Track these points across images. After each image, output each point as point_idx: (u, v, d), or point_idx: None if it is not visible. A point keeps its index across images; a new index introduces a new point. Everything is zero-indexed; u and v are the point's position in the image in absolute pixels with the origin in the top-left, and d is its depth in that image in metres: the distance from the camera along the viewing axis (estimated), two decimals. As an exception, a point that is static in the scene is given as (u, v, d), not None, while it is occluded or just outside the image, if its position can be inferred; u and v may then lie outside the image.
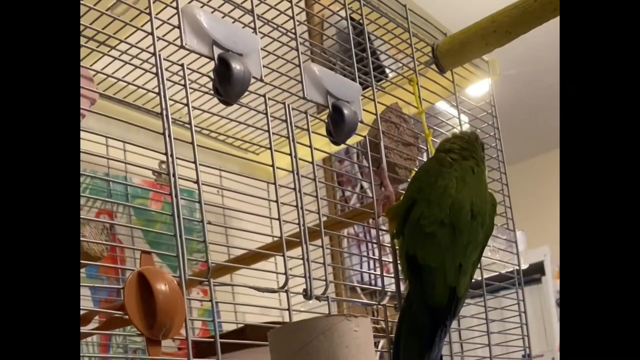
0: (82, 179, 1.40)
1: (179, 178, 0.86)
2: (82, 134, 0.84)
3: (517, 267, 1.43)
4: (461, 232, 1.01)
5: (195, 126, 0.89)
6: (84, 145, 0.82)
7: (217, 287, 1.63)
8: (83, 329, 0.97)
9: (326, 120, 1.03)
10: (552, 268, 3.39)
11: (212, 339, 0.90)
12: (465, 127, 1.34)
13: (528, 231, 1.66)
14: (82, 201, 1.40)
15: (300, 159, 0.99)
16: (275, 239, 1.17)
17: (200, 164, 0.88)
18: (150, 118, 0.99)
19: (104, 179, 1.42)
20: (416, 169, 1.11)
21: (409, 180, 1.19)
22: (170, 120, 0.84)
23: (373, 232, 1.17)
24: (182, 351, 1.45)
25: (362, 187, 2.05)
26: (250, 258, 1.33)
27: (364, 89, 1.12)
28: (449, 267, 1.01)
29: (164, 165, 0.87)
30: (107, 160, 1.38)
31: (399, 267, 1.09)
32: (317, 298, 1.02)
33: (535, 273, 3.37)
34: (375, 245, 1.16)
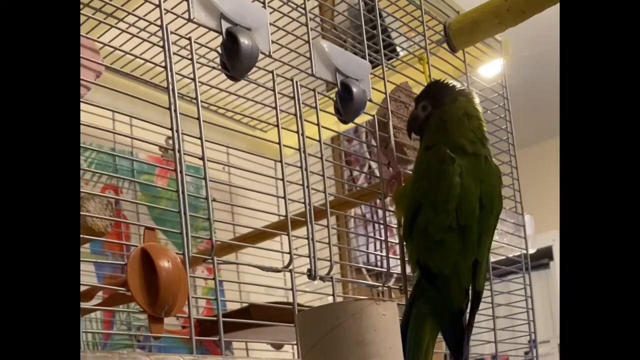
0: (87, 154, 1.39)
1: (184, 154, 0.85)
2: (89, 108, 0.83)
3: (525, 251, 1.41)
4: (471, 230, 0.99)
5: (202, 102, 0.87)
6: (90, 120, 0.81)
7: (221, 266, 1.62)
8: (86, 305, 0.97)
9: (334, 98, 1.02)
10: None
11: (216, 318, 0.89)
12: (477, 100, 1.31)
13: (537, 215, 1.64)
14: (87, 176, 1.39)
15: (307, 137, 0.98)
16: (281, 217, 1.17)
17: (206, 140, 0.87)
18: (157, 93, 0.98)
19: (110, 152, 1.41)
20: (418, 156, 1.08)
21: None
22: (176, 94, 0.83)
23: (380, 213, 1.16)
24: (186, 330, 1.44)
25: (370, 167, 2.04)
26: (256, 237, 1.32)
27: (373, 67, 1.10)
28: (463, 270, 0.99)
29: (170, 141, 0.85)
30: (114, 135, 1.37)
31: (409, 267, 1.08)
32: (322, 278, 1.01)
33: (543, 258, 3.34)
34: (381, 227, 1.15)
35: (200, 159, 0.86)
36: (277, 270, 0.98)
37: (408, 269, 1.11)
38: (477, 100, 1.07)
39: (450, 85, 1.05)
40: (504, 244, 1.38)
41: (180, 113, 0.84)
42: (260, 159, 1.16)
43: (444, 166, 0.98)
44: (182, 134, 0.84)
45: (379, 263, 1.66)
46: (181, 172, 0.84)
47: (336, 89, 1.01)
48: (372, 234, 1.86)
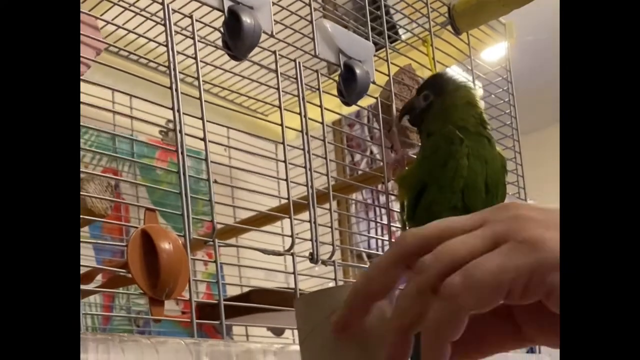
0: (87, 136, 1.38)
1: (185, 135, 0.84)
2: (89, 90, 0.82)
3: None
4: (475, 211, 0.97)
5: (203, 81, 0.86)
6: (90, 102, 0.80)
7: (222, 251, 1.61)
8: (85, 287, 0.96)
9: (337, 80, 1.01)
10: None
11: (217, 302, 0.89)
12: (480, 92, 1.30)
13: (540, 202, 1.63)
14: (87, 159, 1.38)
15: (310, 118, 0.97)
16: (283, 201, 1.15)
17: (208, 121, 0.86)
18: (158, 75, 0.97)
19: (110, 133, 1.39)
20: (424, 139, 1.06)
21: (419, 144, 1.17)
22: (177, 74, 0.82)
23: (382, 199, 1.15)
24: (186, 315, 1.43)
25: (372, 152, 2.03)
26: (257, 221, 1.31)
27: (377, 49, 1.09)
28: None
29: (170, 124, 0.84)
30: (113, 118, 1.35)
31: None
32: (324, 262, 1.00)
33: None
34: (384, 212, 1.14)
35: (201, 139, 0.85)
36: (278, 254, 0.97)
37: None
38: (479, 92, 1.07)
39: (453, 76, 1.05)
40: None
41: (181, 92, 0.82)
42: (261, 144, 1.15)
43: (453, 146, 0.98)
44: (183, 114, 0.83)
45: (380, 249, 1.65)
46: (182, 152, 0.83)
47: (339, 71, 1.00)
48: (373, 220, 1.85)
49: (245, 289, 1.53)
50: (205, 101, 0.86)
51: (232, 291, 1.54)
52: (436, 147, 1.01)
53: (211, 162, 0.87)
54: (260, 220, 1.32)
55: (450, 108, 1.01)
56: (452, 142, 0.98)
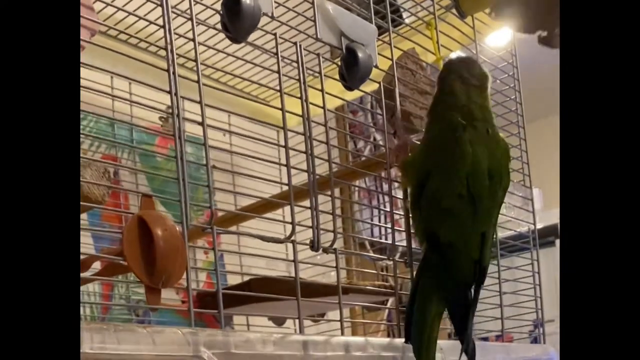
0: (85, 122, 1.36)
1: (184, 120, 0.82)
2: (87, 74, 0.79)
3: (532, 226, 1.38)
4: (481, 201, 0.96)
5: (202, 64, 0.84)
6: (88, 87, 0.78)
7: (223, 240, 1.60)
8: (81, 275, 0.94)
9: (339, 63, 0.98)
10: (567, 231, 3.32)
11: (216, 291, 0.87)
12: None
13: (544, 192, 1.61)
14: (85, 145, 1.36)
15: (312, 103, 0.95)
16: (284, 189, 1.14)
17: (207, 105, 0.84)
18: (158, 60, 0.94)
19: (109, 118, 1.37)
20: (427, 124, 1.04)
21: (423, 131, 1.15)
22: (175, 56, 0.80)
23: (385, 187, 1.13)
24: (186, 304, 1.42)
25: (375, 139, 2.00)
26: (258, 209, 1.29)
27: (380, 34, 1.07)
28: (472, 241, 0.97)
29: (170, 111, 0.82)
30: (112, 104, 1.33)
31: (415, 240, 1.05)
32: (325, 250, 0.98)
33: (549, 235, 3.27)
34: (387, 199, 1.12)
35: (199, 124, 0.83)
36: (279, 241, 0.95)
37: (414, 243, 1.08)
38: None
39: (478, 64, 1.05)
40: (511, 217, 1.35)
41: (179, 76, 0.80)
42: (262, 131, 1.13)
43: (457, 133, 0.96)
44: (182, 98, 0.81)
45: (382, 237, 1.63)
46: (180, 137, 0.81)
47: (341, 54, 0.98)
48: (376, 207, 1.83)
49: (246, 278, 1.51)
50: (204, 84, 0.84)
51: (233, 280, 1.52)
52: (440, 134, 0.99)
53: (211, 148, 0.85)
54: (261, 208, 1.30)
55: (478, 92, 1.00)
56: (455, 130, 0.96)
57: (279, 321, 1.62)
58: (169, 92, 0.79)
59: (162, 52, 0.81)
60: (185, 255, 0.81)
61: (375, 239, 1.73)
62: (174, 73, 0.79)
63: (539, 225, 1.42)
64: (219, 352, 0.82)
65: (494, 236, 1.02)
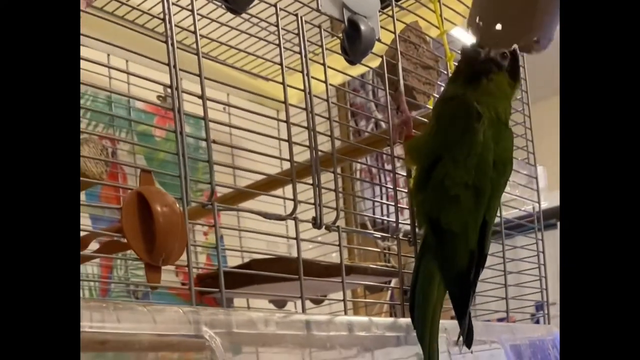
0: (82, 101, 1.33)
1: (182, 94, 0.80)
2: (84, 53, 0.77)
3: (537, 204, 1.36)
4: (484, 190, 0.95)
5: (201, 35, 0.82)
6: (85, 65, 0.76)
7: (223, 221, 1.58)
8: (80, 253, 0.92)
9: (341, 36, 0.96)
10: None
11: (216, 273, 0.85)
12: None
13: (549, 172, 1.59)
14: (82, 125, 1.34)
15: (313, 77, 0.92)
16: (284, 167, 1.12)
17: (206, 78, 0.82)
18: (155, 42, 0.92)
19: (107, 92, 1.34)
20: (439, 106, 1.01)
21: (427, 107, 1.12)
22: (173, 27, 0.77)
23: (388, 166, 1.11)
24: (186, 286, 1.40)
25: (376, 117, 1.98)
26: (258, 188, 1.28)
27: (383, 7, 1.05)
28: (472, 229, 0.96)
29: (169, 90, 0.80)
30: (110, 82, 1.31)
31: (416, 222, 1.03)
32: (327, 228, 0.96)
33: (552, 217, 3.25)
34: (388, 178, 1.10)
35: (199, 96, 0.81)
36: (280, 218, 0.93)
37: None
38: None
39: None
40: (515, 196, 1.33)
41: (178, 48, 0.78)
42: (261, 110, 1.10)
43: (471, 121, 0.93)
44: (180, 72, 0.79)
45: (385, 216, 1.61)
46: (179, 111, 0.79)
47: (343, 27, 0.96)
48: (379, 188, 1.81)
49: (247, 259, 1.50)
50: (203, 56, 0.82)
51: (233, 262, 1.51)
52: (454, 116, 0.96)
53: (211, 128, 0.83)
54: (262, 187, 1.29)
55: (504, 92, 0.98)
56: (469, 116, 0.94)
57: (280, 304, 1.60)
58: (168, 64, 0.77)
59: (160, 29, 0.78)
60: (185, 232, 0.79)
61: (377, 216, 1.71)
62: (172, 45, 0.77)
63: (544, 204, 1.40)
64: (221, 331, 0.80)
65: (494, 220, 1.01)
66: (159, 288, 1.32)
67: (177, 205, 0.79)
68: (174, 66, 0.78)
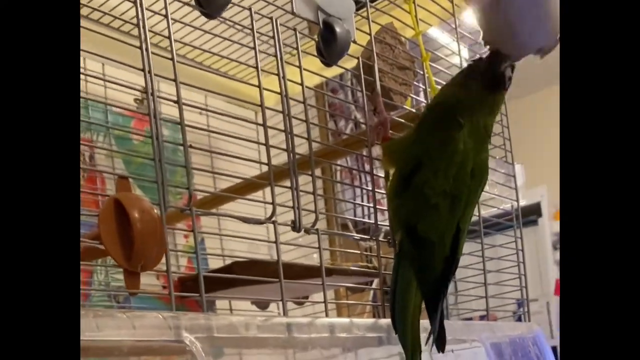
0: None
1: (159, 99, 0.79)
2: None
3: (516, 202, 1.37)
4: (461, 200, 0.95)
5: (176, 41, 0.81)
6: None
7: (203, 224, 1.58)
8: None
9: (316, 39, 0.96)
10: (549, 209, 3.32)
11: (197, 276, 0.85)
12: (465, 53, 1.26)
13: (526, 169, 1.60)
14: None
15: (289, 80, 0.92)
16: (263, 170, 1.12)
17: (182, 83, 0.81)
18: (130, 39, 0.92)
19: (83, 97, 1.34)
20: (425, 110, 1.01)
21: (404, 107, 1.13)
22: (147, 32, 0.77)
23: (367, 167, 1.11)
24: (167, 289, 1.39)
25: (356, 117, 1.98)
26: (238, 191, 1.27)
27: (358, 8, 1.05)
28: (447, 237, 0.96)
29: (145, 94, 0.80)
30: (85, 86, 1.31)
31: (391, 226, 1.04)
32: (307, 231, 0.96)
33: (531, 214, 3.29)
34: (369, 178, 1.10)
35: (175, 102, 0.81)
36: (259, 222, 0.93)
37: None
38: None
39: None
40: (494, 194, 1.33)
41: (152, 53, 0.78)
42: (239, 112, 1.11)
43: (450, 132, 0.93)
44: (156, 76, 0.78)
45: (365, 218, 1.61)
46: (155, 116, 0.78)
47: (318, 29, 0.96)
48: (359, 189, 1.81)
49: (228, 262, 1.49)
50: (179, 62, 0.81)
51: (215, 264, 1.51)
52: (435, 123, 0.96)
53: (188, 131, 0.83)
54: (241, 189, 1.28)
55: (493, 106, 0.97)
56: (451, 126, 0.94)
57: (262, 305, 1.60)
58: (142, 70, 0.77)
59: (135, 32, 0.78)
60: (163, 237, 0.79)
61: (358, 218, 1.71)
62: (146, 50, 0.77)
63: (522, 202, 1.40)
64: (202, 336, 0.80)
65: (469, 224, 1.01)
66: (152, 293, 1.33)
67: (155, 210, 0.79)
68: (149, 71, 0.77)
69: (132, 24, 0.77)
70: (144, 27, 0.77)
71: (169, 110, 0.83)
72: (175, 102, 0.81)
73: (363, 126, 1.08)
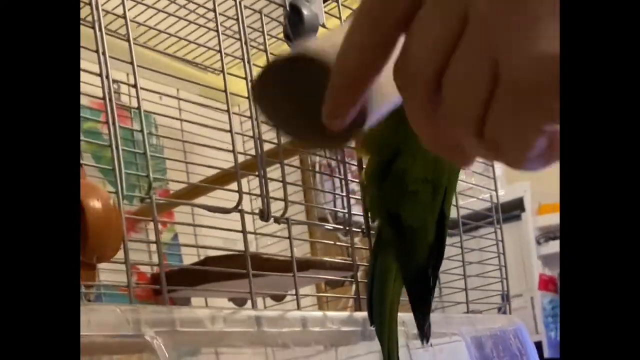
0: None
1: (114, 82, 0.76)
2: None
3: (495, 192, 1.34)
4: (441, 184, 0.94)
5: (132, 21, 0.78)
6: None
7: (178, 218, 1.54)
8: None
9: (283, 22, 0.93)
10: (532, 204, 3.30)
11: (171, 271, 0.82)
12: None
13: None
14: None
15: (256, 65, 0.89)
16: (241, 159, 1.09)
17: (139, 66, 0.78)
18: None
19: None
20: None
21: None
22: (100, 11, 0.74)
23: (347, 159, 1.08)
24: (139, 286, 1.36)
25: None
26: (212, 182, 1.24)
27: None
28: (430, 224, 0.94)
29: (115, 86, 0.77)
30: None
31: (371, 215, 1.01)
32: (276, 220, 0.94)
33: (514, 209, 3.28)
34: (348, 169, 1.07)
35: (132, 86, 0.78)
36: (225, 211, 0.90)
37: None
38: None
39: None
40: (472, 184, 1.30)
41: (107, 34, 0.75)
42: (212, 102, 1.07)
43: None
44: (109, 57, 0.75)
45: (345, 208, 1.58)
46: (110, 100, 0.75)
47: (284, 12, 0.93)
48: (338, 181, 1.78)
49: (203, 257, 1.46)
50: (138, 46, 0.78)
51: (189, 260, 1.47)
52: None
53: (163, 124, 0.80)
54: (215, 181, 1.25)
55: None
56: None
57: (239, 302, 1.57)
58: (96, 51, 0.74)
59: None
60: (121, 227, 0.76)
61: (333, 209, 1.68)
62: (100, 30, 0.74)
63: (502, 192, 1.38)
64: (163, 330, 0.76)
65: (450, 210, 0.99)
66: (112, 289, 1.29)
67: (112, 200, 0.76)
68: (103, 53, 0.74)
69: (84, 2, 0.74)
70: (97, 7, 0.74)
71: (150, 106, 0.80)
72: (133, 86, 0.78)
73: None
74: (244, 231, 0.89)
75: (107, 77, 0.74)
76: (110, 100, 0.75)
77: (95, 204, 0.74)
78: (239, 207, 0.88)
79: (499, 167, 1.36)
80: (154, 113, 0.79)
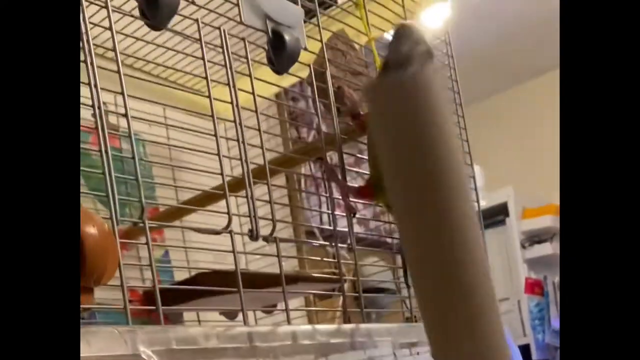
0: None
1: (106, 112, 0.79)
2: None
3: (476, 203, 1.37)
4: None
5: (124, 54, 0.81)
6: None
7: (168, 236, 1.57)
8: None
9: (266, 47, 0.97)
10: (516, 208, 3.34)
11: (163, 289, 0.84)
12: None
13: (491, 172, 1.61)
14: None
15: (240, 89, 0.93)
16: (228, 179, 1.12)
17: (129, 95, 0.81)
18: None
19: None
20: None
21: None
22: (91, 45, 0.77)
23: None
24: (132, 304, 1.38)
25: (317, 125, 1.97)
26: (199, 202, 1.27)
27: (310, 17, 1.05)
28: None
29: (104, 107, 0.80)
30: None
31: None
32: (265, 239, 0.97)
33: (498, 214, 3.31)
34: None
35: (123, 115, 0.81)
36: (215, 232, 0.93)
37: (357, 228, 1.08)
38: None
39: None
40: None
41: (99, 67, 0.78)
42: (200, 123, 1.10)
43: None
44: (101, 89, 0.78)
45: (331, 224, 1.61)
46: (102, 128, 0.78)
47: (267, 38, 0.96)
48: (316, 194, 1.81)
49: (193, 273, 1.49)
50: (130, 76, 0.81)
51: (180, 276, 1.50)
52: None
53: (150, 143, 0.83)
54: (203, 200, 1.28)
55: None
56: None
57: (231, 315, 1.59)
58: (88, 84, 0.77)
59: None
60: (117, 251, 0.79)
61: (319, 226, 1.72)
62: (91, 64, 0.77)
63: (483, 203, 1.41)
64: (159, 349, 0.79)
65: None
66: (106, 307, 1.31)
67: (107, 225, 0.79)
68: (95, 85, 0.77)
69: (76, 38, 0.77)
70: (88, 41, 0.77)
71: (139, 126, 0.82)
72: (124, 115, 0.81)
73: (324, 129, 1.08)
74: (234, 251, 0.92)
75: (100, 107, 0.77)
76: (103, 130, 0.78)
77: (92, 230, 0.77)
78: (229, 229, 0.91)
79: (480, 179, 1.40)
80: (142, 133, 0.82)
